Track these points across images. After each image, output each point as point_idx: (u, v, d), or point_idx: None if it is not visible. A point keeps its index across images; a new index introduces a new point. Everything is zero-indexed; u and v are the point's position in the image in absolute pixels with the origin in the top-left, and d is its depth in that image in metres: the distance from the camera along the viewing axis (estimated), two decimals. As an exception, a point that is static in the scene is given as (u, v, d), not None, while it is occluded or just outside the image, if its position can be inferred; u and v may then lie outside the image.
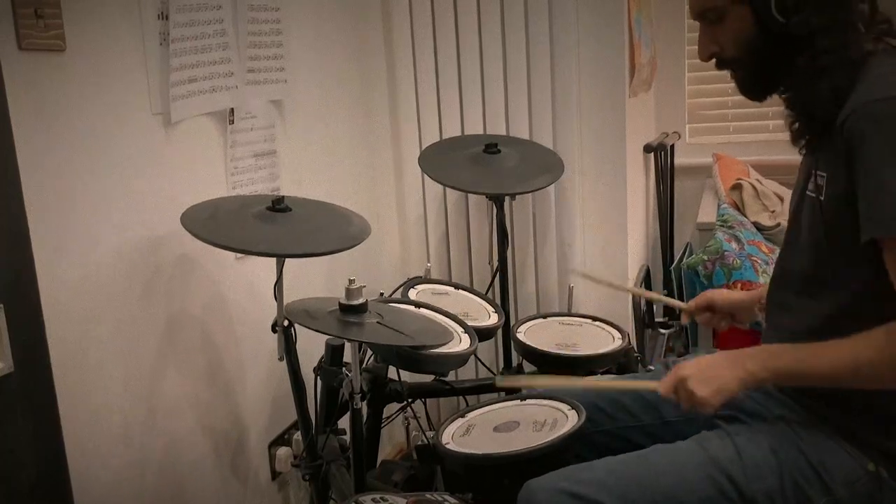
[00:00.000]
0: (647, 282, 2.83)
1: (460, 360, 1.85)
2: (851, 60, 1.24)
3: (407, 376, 2.11)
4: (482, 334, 1.99)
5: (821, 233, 1.27)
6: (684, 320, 1.72)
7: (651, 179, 3.05)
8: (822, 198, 1.26)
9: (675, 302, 1.75)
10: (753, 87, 1.38)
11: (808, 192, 1.32)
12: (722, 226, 2.78)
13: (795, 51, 1.27)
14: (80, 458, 1.56)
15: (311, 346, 1.90)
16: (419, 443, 1.80)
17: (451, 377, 2.10)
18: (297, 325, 1.71)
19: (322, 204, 1.95)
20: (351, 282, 1.58)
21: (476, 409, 1.66)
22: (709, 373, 1.30)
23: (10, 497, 1.29)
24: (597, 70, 2.48)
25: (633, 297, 2.58)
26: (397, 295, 2.15)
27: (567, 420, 1.52)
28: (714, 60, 1.38)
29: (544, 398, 1.61)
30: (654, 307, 2.84)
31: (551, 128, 2.52)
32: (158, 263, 1.80)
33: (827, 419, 1.32)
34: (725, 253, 2.59)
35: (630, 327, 2.54)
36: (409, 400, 2.06)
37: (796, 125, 1.31)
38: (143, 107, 1.73)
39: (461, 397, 2.22)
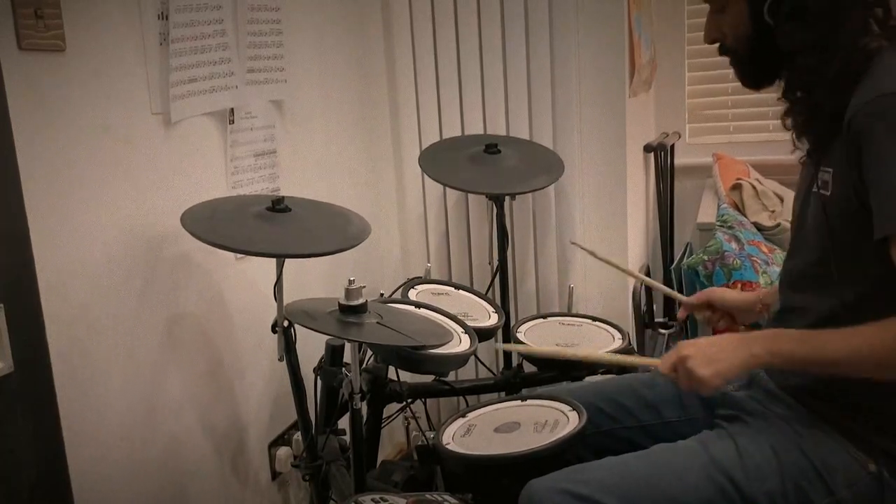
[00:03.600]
0: (647, 282, 2.83)
1: (460, 360, 1.85)
2: (835, 77, 1.23)
3: (407, 376, 2.10)
4: (482, 334, 1.99)
5: (826, 231, 1.27)
6: (681, 315, 1.72)
7: (651, 179, 3.05)
8: (829, 194, 1.26)
9: (676, 294, 1.74)
10: (748, 78, 1.40)
11: (813, 191, 1.31)
12: (722, 226, 2.77)
13: (789, 53, 1.28)
14: (80, 458, 1.55)
15: (311, 346, 1.90)
16: (419, 443, 1.80)
17: (451, 377, 2.10)
18: (297, 326, 1.71)
19: (322, 204, 1.95)
20: (351, 282, 1.58)
21: (477, 409, 1.66)
22: (711, 353, 1.27)
23: (10, 497, 1.29)
24: (597, 70, 2.48)
25: (634, 291, 2.57)
26: (397, 295, 2.14)
27: (568, 421, 1.52)
28: (717, 45, 1.41)
29: (545, 399, 1.61)
30: (655, 307, 2.84)
31: (551, 128, 2.51)
32: (158, 263, 1.80)
33: (828, 419, 1.31)
34: (725, 253, 2.58)
35: (630, 327, 2.54)
36: (409, 400, 2.05)
37: (800, 117, 1.30)
38: (143, 107, 1.73)
39: (461, 397, 2.23)
